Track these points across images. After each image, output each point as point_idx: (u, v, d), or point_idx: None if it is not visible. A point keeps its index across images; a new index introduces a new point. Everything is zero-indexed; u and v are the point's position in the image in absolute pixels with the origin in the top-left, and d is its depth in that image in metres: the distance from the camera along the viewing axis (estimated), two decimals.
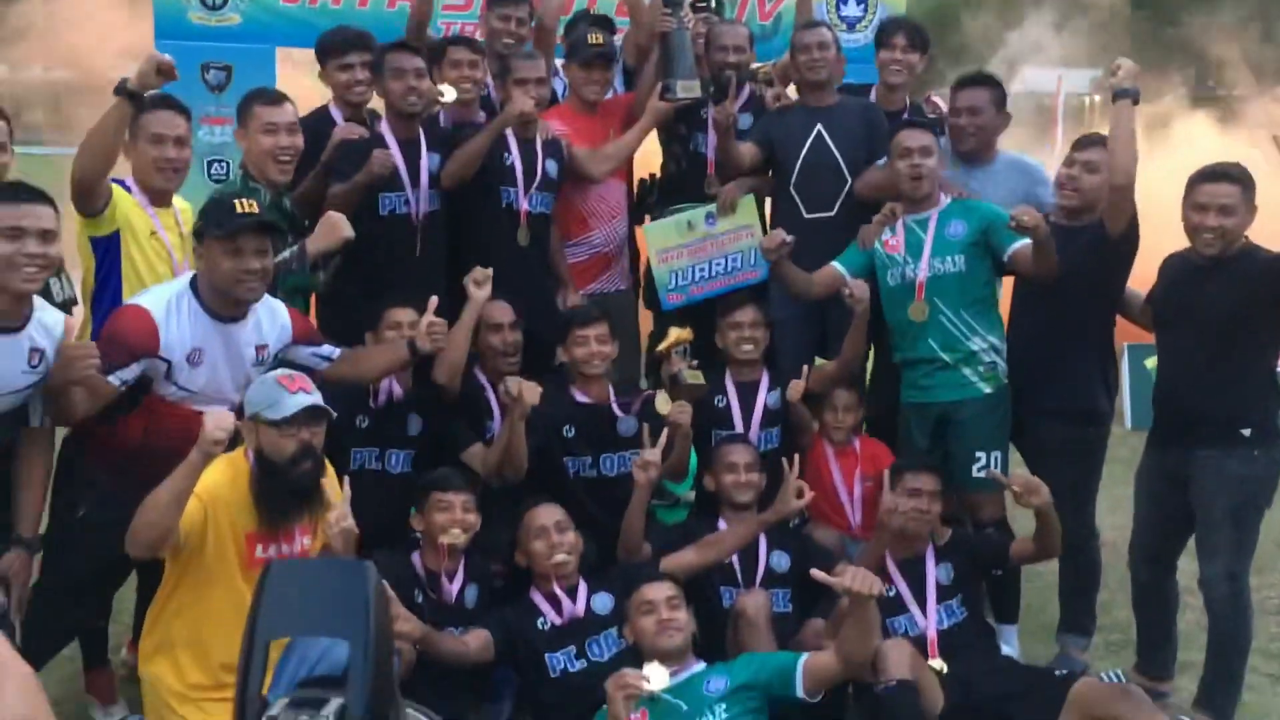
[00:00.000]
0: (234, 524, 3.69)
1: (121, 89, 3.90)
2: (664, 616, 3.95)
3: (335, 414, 3.87)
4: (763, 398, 5.01)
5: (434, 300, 4.35)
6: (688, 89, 5.28)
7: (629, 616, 4.06)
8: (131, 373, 3.76)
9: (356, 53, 5.16)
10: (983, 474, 4.82)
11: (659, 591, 4.01)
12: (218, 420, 3.43)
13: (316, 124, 5.07)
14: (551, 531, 4.23)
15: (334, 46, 5.22)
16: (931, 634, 4.36)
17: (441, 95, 5.00)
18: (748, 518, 4.58)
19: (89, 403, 3.74)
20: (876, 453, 5.08)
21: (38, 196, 3.63)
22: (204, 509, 3.59)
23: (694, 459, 5.09)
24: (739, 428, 4.98)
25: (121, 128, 3.98)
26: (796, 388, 4.92)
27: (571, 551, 4.24)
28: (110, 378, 3.70)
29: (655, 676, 3.58)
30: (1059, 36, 23.68)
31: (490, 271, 4.49)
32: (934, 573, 4.46)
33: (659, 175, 5.85)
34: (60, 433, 3.98)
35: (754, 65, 5.77)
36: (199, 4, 6.71)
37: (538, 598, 4.26)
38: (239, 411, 3.79)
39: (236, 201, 3.93)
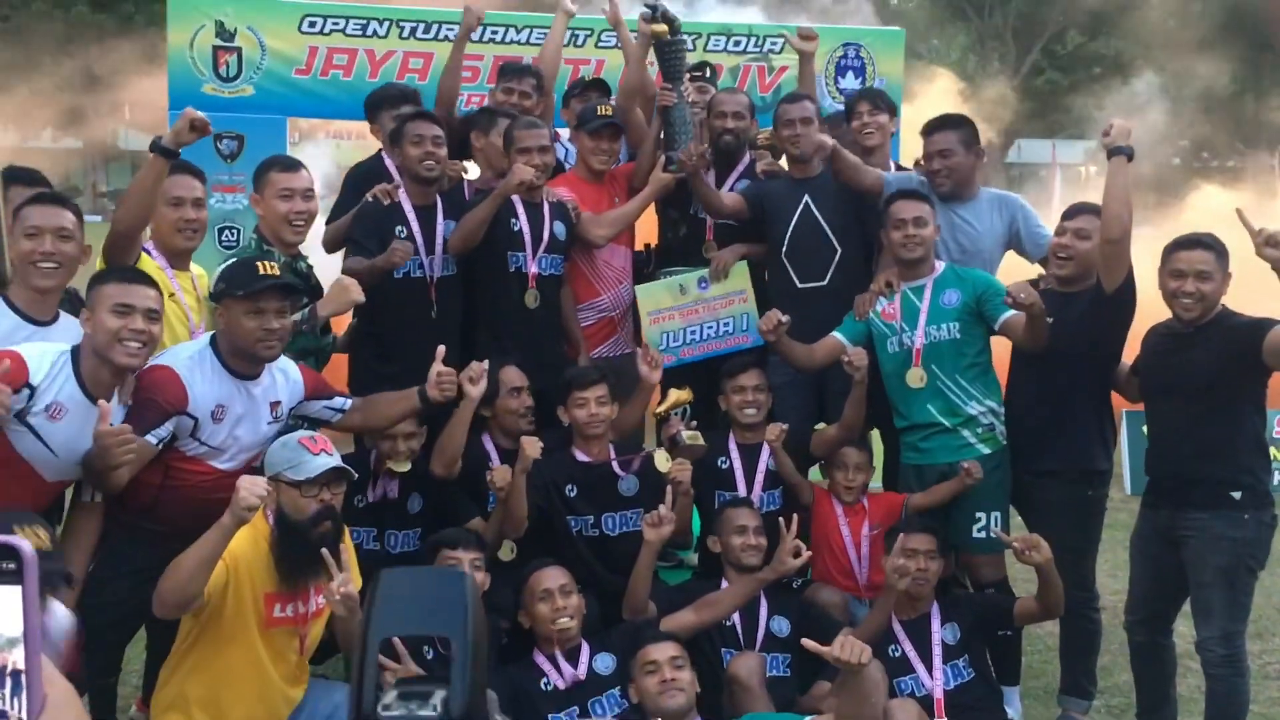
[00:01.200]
0: (254, 584, 3.75)
1: (156, 146, 4.03)
2: (667, 676, 3.98)
3: (355, 475, 3.92)
4: (765, 460, 5.07)
5: (441, 349, 4.41)
6: None
7: (633, 676, 4.09)
8: (166, 430, 3.84)
9: (410, 104, 5.37)
10: (983, 534, 4.88)
11: (663, 652, 4.04)
12: (251, 486, 3.47)
13: (371, 168, 5.34)
14: (556, 595, 4.26)
15: (386, 99, 5.47)
16: (938, 694, 4.40)
17: (465, 172, 5.12)
18: (748, 578, 4.62)
19: (131, 468, 3.79)
20: (890, 503, 5.10)
21: (146, 279, 3.82)
22: (227, 570, 3.63)
23: (696, 521, 5.15)
24: (741, 489, 5.04)
25: (158, 183, 4.10)
26: (774, 430, 4.95)
27: (574, 615, 4.27)
28: (148, 437, 3.77)
29: None
30: (1160, 114, 23.83)
31: (485, 367, 4.51)
32: (939, 633, 4.51)
33: (655, 244, 5.95)
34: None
35: (755, 133, 5.90)
36: (213, 76, 6.87)
37: (541, 659, 4.28)
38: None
39: (259, 264, 4.06)
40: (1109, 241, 4.51)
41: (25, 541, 0.78)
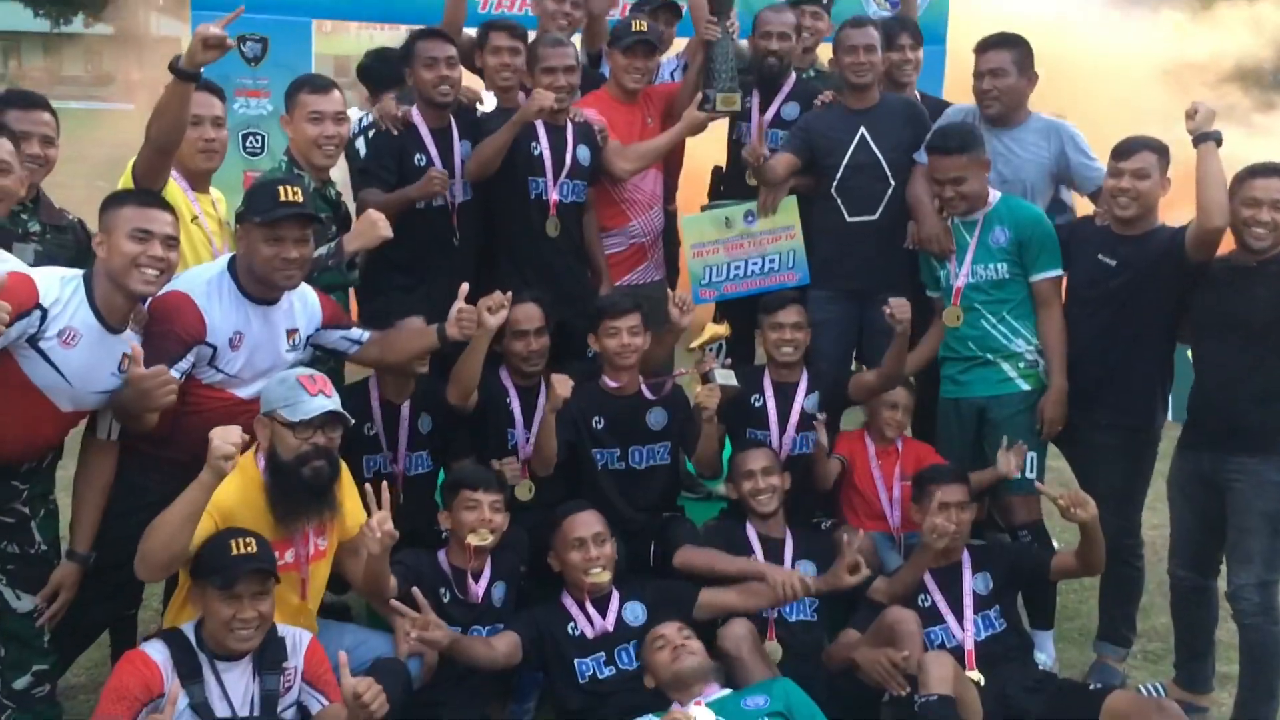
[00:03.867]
0: None
1: (174, 68, 3.82)
2: (677, 644, 3.96)
3: (353, 421, 3.83)
4: (800, 400, 4.92)
5: (465, 287, 4.27)
6: (727, 102, 5.18)
7: (644, 658, 4.07)
8: (187, 362, 3.73)
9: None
10: (1017, 474, 4.75)
11: (670, 628, 4.04)
12: (225, 436, 3.35)
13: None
14: (590, 544, 4.20)
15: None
16: (969, 645, 4.30)
17: (481, 102, 4.93)
18: (774, 524, 4.57)
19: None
20: (920, 453, 4.99)
21: (164, 204, 3.69)
22: (214, 524, 3.52)
23: (729, 452, 5.03)
24: (774, 429, 4.91)
25: (183, 105, 3.86)
26: (899, 313, 4.61)
27: (607, 565, 4.21)
28: (171, 371, 3.65)
29: (701, 717, 3.55)
30: None
31: (505, 298, 4.33)
32: (971, 582, 4.41)
33: (725, 167, 5.78)
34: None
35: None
36: None
37: (570, 604, 4.24)
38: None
39: (281, 188, 3.89)
40: (1212, 229, 4.31)
41: None
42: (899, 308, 4.60)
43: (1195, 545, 4.57)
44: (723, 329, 4.88)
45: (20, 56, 50.79)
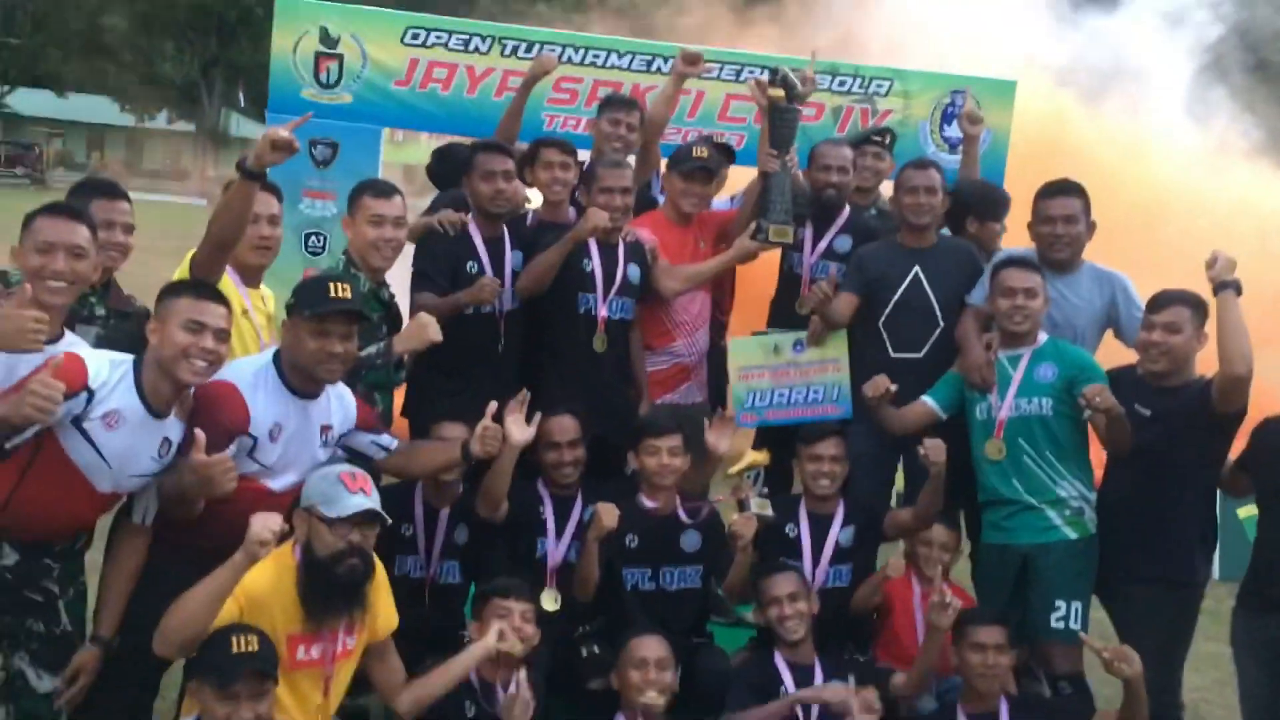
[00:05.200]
0: (275, 626, 3.60)
1: (241, 168, 3.94)
2: None
3: (390, 520, 3.83)
4: (835, 532, 4.87)
5: (493, 405, 4.29)
6: (779, 234, 5.26)
7: None
8: (230, 453, 3.75)
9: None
10: (1060, 624, 4.64)
11: None
12: (265, 521, 3.38)
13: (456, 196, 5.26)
14: (650, 667, 4.20)
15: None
16: None
17: (528, 201, 5.04)
18: (803, 650, 4.48)
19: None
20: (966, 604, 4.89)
21: (219, 296, 3.74)
22: (240, 611, 3.51)
23: None
24: (808, 560, 4.84)
25: (246, 203, 3.99)
26: (938, 449, 4.59)
27: (664, 692, 4.19)
28: None
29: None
30: None
31: (537, 419, 4.38)
32: None
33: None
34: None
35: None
36: (313, 81, 6.86)
37: None
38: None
39: (331, 284, 3.96)
40: (1235, 378, 4.29)
41: None
42: (933, 449, 4.56)
43: (1275, 709, 4.41)
44: (761, 456, 4.87)
45: (104, 149, 52.71)
